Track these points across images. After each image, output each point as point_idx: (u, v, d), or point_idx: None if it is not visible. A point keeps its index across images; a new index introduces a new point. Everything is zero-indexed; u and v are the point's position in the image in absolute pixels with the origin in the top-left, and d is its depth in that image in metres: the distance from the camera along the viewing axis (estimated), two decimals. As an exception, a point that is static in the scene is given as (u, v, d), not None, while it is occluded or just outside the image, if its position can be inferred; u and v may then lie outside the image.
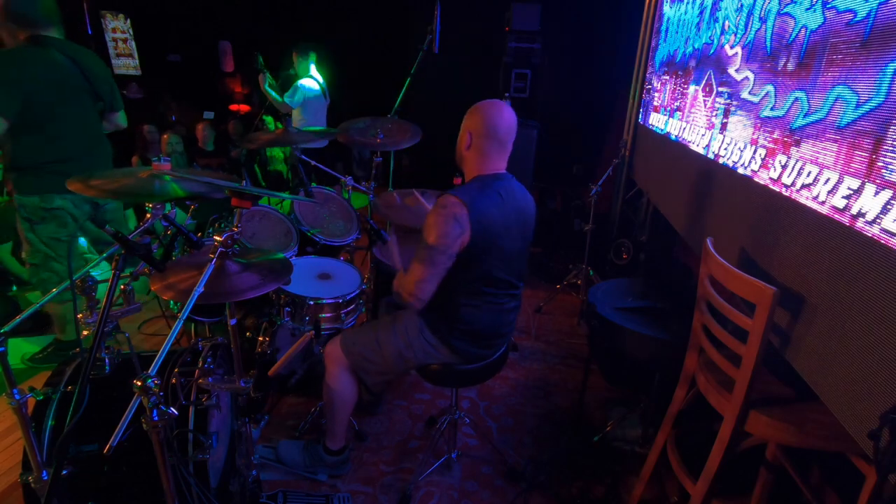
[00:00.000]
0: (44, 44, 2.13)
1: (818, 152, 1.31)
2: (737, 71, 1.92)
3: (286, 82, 4.44)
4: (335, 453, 1.97)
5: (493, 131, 1.68)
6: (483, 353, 1.80)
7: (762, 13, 1.74)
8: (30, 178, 2.20)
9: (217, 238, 1.24)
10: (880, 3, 1.10)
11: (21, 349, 2.67)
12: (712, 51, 2.24)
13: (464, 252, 1.61)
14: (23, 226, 2.25)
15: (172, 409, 1.04)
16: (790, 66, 1.50)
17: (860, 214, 1.12)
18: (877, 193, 1.07)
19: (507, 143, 1.72)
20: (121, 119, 2.53)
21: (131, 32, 6.69)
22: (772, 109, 1.59)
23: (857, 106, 1.16)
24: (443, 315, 1.74)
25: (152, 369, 0.98)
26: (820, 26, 1.34)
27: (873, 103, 1.10)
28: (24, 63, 2.08)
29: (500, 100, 1.72)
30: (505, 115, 1.69)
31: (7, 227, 3.28)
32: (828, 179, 1.26)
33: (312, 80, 4.39)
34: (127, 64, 6.79)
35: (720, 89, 2.09)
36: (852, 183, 1.16)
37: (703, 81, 2.31)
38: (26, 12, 2.10)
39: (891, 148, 1.04)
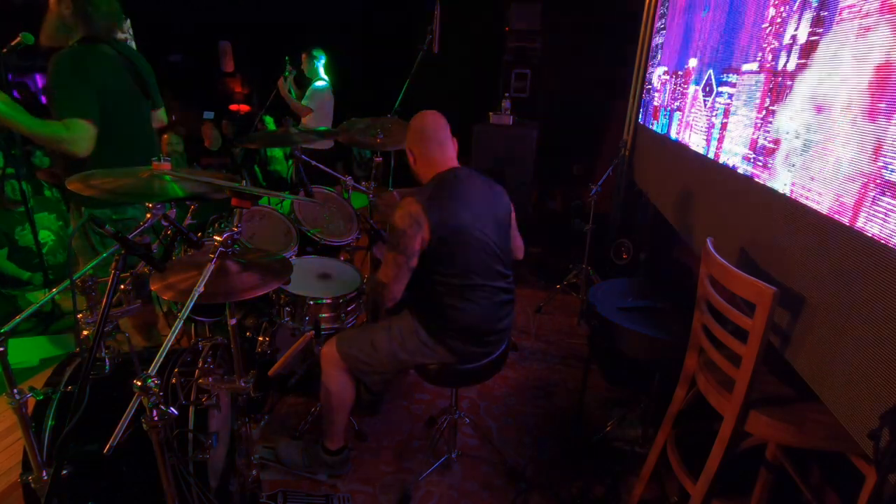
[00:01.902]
0: (113, 48, 2.00)
1: (818, 152, 1.31)
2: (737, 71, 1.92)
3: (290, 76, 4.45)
4: (334, 454, 1.97)
5: (423, 134, 1.77)
6: (480, 350, 1.80)
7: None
8: None
9: (217, 238, 1.24)
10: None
11: (37, 349, 2.67)
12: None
13: (431, 249, 1.65)
14: (92, 239, 2.02)
15: (172, 409, 1.04)
16: (790, 66, 1.50)
17: (860, 214, 1.12)
18: (877, 193, 1.07)
19: (444, 141, 1.79)
20: (163, 116, 2.40)
21: (131, 32, 6.69)
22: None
23: (856, 105, 1.16)
24: (435, 316, 1.75)
25: (152, 369, 0.98)
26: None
27: (871, 102, 1.10)
28: (92, 61, 1.91)
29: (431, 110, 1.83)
30: (427, 118, 1.79)
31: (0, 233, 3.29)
32: (828, 179, 1.26)
33: (323, 80, 4.42)
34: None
35: (720, 89, 2.09)
36: (852, 183, 1.16)
37: (703, 81, 2.31)
38: (84, 18, 1.93)
39: (891, 147, 1.04)
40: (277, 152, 5.82)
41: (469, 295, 1.72)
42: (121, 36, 2.17)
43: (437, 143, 1.78)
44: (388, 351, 1.77)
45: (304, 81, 4.56)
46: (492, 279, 1.75)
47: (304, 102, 4.36)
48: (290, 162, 5.55)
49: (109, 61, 1.97)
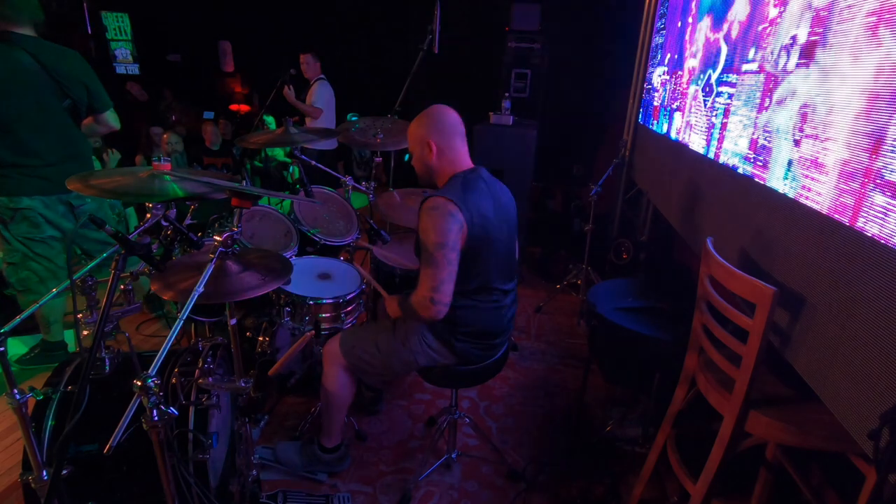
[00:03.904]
0: (7, 40, 2.10)
1: (818, 151, 1.31)
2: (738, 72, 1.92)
3: (291, 84, 4.45)
4: (330, 451, 1.97)
5: (452, 127, 1.69)
6: (486, 353, 1.80)
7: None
8: None
9: (217, 238, 1.24)
10: None
11: (10, 350, 2.66)
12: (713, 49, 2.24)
13: (462, 251, 1.60)
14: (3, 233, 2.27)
15: (172, 409, 1.04)
16: (790, 66, 1.50)
17: (860, 214, 1.12)
18: (876, 193, 1.07)
19: (465, 138, 1.73)
20: (111, 119, 2.46)
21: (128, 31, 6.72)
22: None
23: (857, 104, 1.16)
24: (444, 319, 1.70)
25: (152, 369, 0.98)
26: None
27: (871, 101, 1.10)
28: None
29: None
30: (451, 112, 1.72)
31: None
32: (828, 179, 1.26)
33: (325, 81, 4.42)
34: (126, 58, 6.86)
35: (720, 89, 2.09)
36: (852, 183, 1.16)
37: (704, 81, 2.31)
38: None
39: (891, 148, 1.04)
40: (278, 152, 5.81)
41: (485, 298, 1.70)
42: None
43: (461, 139, 1.70)
44: (393, 352, 1.76)
45: (303, 83, 4.56)
46: (504, 282, 1.74)
47: (316, 104, 4.36)
48: (290, 161, 5.55)
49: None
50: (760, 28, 1.74)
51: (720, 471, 1.41)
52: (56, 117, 2.29)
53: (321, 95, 4.38)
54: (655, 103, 3.28)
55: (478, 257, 1.63)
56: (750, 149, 1.74)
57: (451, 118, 1.70)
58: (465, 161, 1.72)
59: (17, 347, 2.65)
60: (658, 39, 3.39)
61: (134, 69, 7.00)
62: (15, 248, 2.30)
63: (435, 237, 1.54)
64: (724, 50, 2.07)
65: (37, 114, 2.21)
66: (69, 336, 2.68)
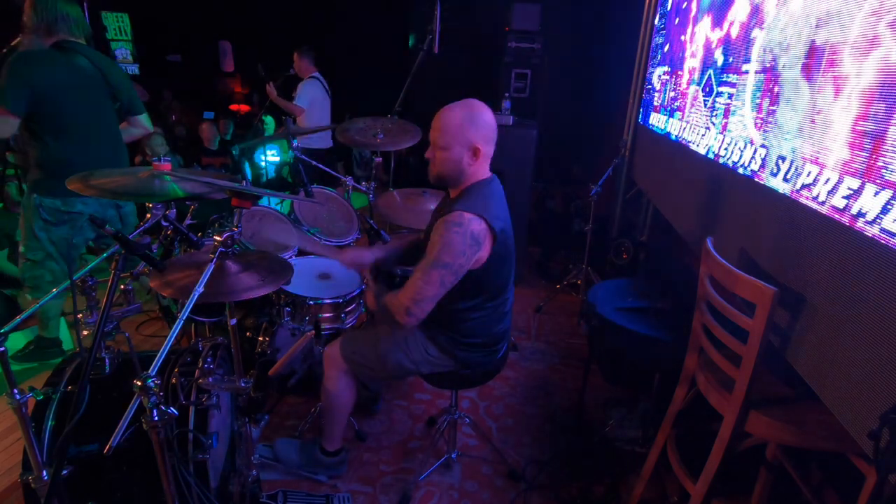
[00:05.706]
0: (66, 48, 2.20)
1: (818, 152, 1.31)
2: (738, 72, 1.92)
3: (286, 83, 4.45)
4: (331, 454, 1.97)
5: (493, 134, 1.62)
6: (488, 358, 1.79)
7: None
8: (54, 181, 2.21)
9: (217, 238, 1.24)
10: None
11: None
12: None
13: (482, 266, 1.56)
14: (36, 223, 2.26)
15: (172, 409, 1.04)
16: (790, 66, 1.50)
17: (860, 214, 1.12)
18: (877, 193, 1.07)
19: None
20: (146, 121, 2.56)
21: (130, 34, 6.72)
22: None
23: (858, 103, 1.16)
24: (447, 330, 1.70)
25: (152, 369, 0.98)
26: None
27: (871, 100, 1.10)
28: (38, 62, 2.13)
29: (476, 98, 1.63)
30: (492, 115, 1.62)
31: (1, 234, 3.27)
32: (828, 179, 1.26)
33: (315, 79, 4.41)
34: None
35: (720, 89, 2.09)
36: (852, 183, 1.16)
37: (703, 81, 2.31)
38: (48, 21, 2.17)
39: (891, 148, 1.04)
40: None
41: (483, 311, 1.69)
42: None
43: (494, 146, 1.63)
44: (394, 360, 1.75)
45: (297, 81, 4.55)
46: (505, 291, 1.73)
47: (297, 102, 4.35)
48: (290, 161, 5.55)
49: (63, 64, 2.17)
50: (762, 27, 1.74)
51: (720, 471, 1.41)
52: (109, 120, 2.39)
53: (304, 94, 4.35)
54: (655, 103, 3.28)
55: (499, 268, 1.61)
56: (750, 148, 1.74)
57: (494, 123, 1.61)
58: (487, 169, 1.67)
59: (14, 341, 2.65)
60: (658, 39, 3.39)
61: (134, 69, 7.01)
62: (42, 248, 2.30)
63: (443, 255, 1.50)
64: (724, 50, 2.07)
65: (95, 115, 2.30)
66: (65, 333, 2.67)
